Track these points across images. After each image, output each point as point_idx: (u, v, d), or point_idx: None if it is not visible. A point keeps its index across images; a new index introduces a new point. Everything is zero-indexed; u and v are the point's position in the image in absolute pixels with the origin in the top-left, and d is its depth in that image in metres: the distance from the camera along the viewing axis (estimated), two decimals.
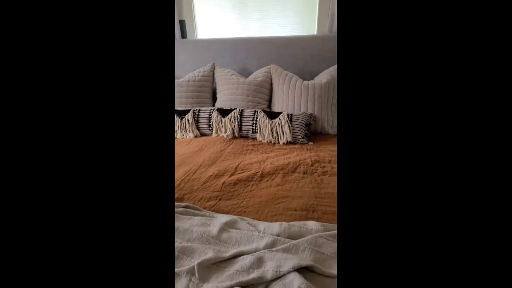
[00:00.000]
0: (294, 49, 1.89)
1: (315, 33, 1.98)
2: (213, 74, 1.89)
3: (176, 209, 0.84)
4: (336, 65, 1.69)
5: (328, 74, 1.66)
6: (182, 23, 2.11)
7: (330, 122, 1.61)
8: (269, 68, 1.78)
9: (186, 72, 1.99)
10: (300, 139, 1.47)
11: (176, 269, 0.61)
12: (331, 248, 0.67)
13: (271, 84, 1.76)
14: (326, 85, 1.60)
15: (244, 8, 2.05)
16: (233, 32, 2.11)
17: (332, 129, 1.60)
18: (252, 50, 1.95)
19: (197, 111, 1.65)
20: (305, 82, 1.64)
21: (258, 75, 1.79)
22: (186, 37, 2.14)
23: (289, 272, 0.59)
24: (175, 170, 1.15)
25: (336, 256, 0.65)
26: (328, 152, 1.32)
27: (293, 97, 1.64)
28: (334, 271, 0.60)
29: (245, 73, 1.91)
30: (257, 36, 1.99)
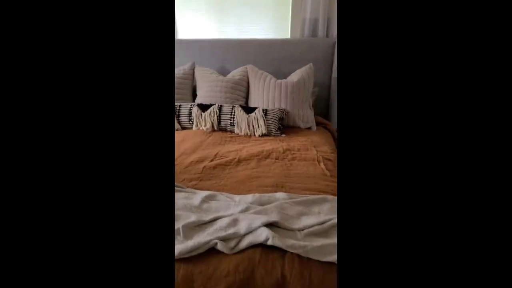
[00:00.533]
0: (269, 51, 2.04)
1: (289, 37, 2.15)
2: (193, 72, 2.00)
3: None
4: (306, 66, 1.86)
5: (299, 74, 1.83)
6: None
7: (301, 116, 1.77)
8: (246, 68, 1.92)
9: None
10: (274, 132, 1.62)
11: None
12: (294, 211, 0.81)
13: (248, 82, 1.90)
14: (297, 84, 1.77)
15: (222, 11, 2.19)
16: (212, 34, 2.23)
17: (303, 123, 1.76)
18: (230, 51, 2.08)
19: (178, 106, 1.75)
20: (279, 81, 1.80)
21: (235, 74, 1.92)
22: None
23: (259, 227, 0.72)
24: None
25: (297, 216, 0.79)
26: (298, 142, 1.48)
27: (267, 94, 1.78)
28: (294, 226, 0.75)
29: (224, 72, 2.04)
30: (234, 38, 2.13)
